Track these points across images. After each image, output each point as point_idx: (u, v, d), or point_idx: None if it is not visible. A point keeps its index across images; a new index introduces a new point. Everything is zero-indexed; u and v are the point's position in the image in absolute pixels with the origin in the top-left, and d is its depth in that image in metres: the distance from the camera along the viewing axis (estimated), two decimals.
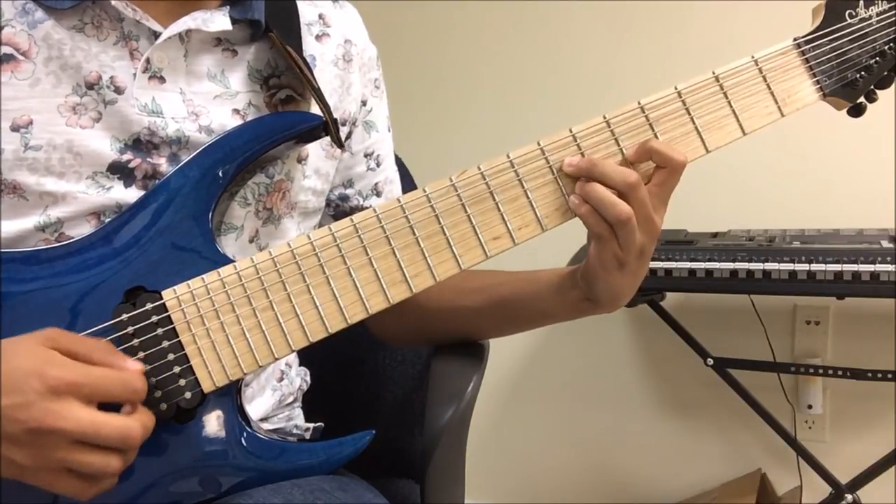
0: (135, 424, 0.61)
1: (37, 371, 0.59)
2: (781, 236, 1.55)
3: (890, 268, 1.32)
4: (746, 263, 1.40)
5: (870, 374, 1.50)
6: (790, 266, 1.37)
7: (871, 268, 1.32)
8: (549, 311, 0.85)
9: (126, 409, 0.63)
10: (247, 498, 0.69)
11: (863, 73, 0.77)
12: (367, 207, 0.89)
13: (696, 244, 1.52)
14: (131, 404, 0.63)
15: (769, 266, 1.38)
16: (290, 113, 0.79)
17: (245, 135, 0.74)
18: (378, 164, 0.92)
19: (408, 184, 1.08)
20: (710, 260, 1.43)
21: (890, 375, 1.49)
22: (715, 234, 1.65)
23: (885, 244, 1.39)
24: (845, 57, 0.76)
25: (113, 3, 0.71)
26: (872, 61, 0.77)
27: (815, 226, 1.67)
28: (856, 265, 1.33)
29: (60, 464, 0.59)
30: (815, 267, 1.36)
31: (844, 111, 0.79)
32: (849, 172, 1.68)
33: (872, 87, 0.78)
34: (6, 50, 0.69)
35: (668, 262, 1.45)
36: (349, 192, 0.91)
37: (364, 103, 0.89)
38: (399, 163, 1.09)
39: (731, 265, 1.41)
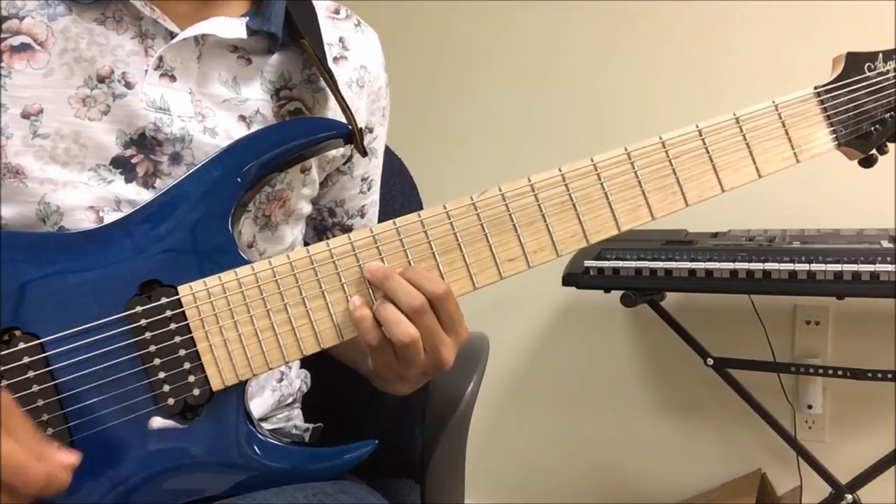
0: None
1: None
2: (781, 236, 1.55)
3: (890, 268, 1.32)
4: (746, 263, 1.40)
5: (870, 374, 1.50)
6: (790, 266, 1.37)
7: (871, 268, 1.32)
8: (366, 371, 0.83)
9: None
10: (249, 499, 0.69)
11: (877, 126, 0.78)
12: (349, 225, 0.92)
13: (696, 244, 1.52)
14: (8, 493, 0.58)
15: (769, 266, 1.38)
16: (318, 119, 0.80)
17: (271, 137, 0.74)
18: (369, 188, 0.94)
19: (407, 183, 1.08)
20: (710, 260, 1.42)
21: (890, 375, 1.49)
22: (715, 234, 1.65)
23: (885, 244, 1.39)
24: (861, 109, 0.78)
25: (132, 1, 0.72)
26: (887, 115, 0.78)
27: (815, 226, 1.67)
28: (856, 265, 1.33)
29: None
30: (815, 267, 1.36)
31: (856, 161, 0.81)
32: (849, 172, 1.67)
33: (884, 140, 0.79)
34: (24, 39, 0.71)
35: (668, 262, 1.45)
36: (338, 209, 0.92)
37: (370, 130, 0.90)
38: (398, 162, 1.09)
39: (731, 265, 1.41)
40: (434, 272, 0.72)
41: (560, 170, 0.74)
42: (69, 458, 0.60)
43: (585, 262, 1.50)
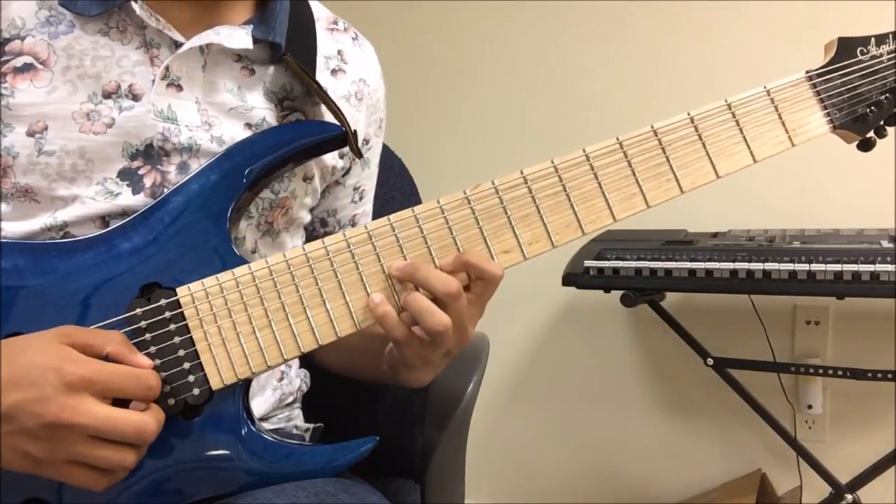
0: (149, 419, 0.63)
1: (54, 367, 0.60)
2: (781, 236, 1.55)
3: (890, 268, 1.32)
4: (746, 263, 1.40)
5: (870, 374, 1.50)
6: (790, 266, 1.37)
7: (871, 268, 1.32)
8: (379, 373, 0.82)
9: (139, 406, 0.64)
10: (251, 499, 0.69)
11: (873, 108, 0.78)
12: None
13: (696, 244, 1.52)
14: (145, 401, 0.64)
15: (769, 266, 1.38)
16: (312, 122, 0.81)
17: (266, 141, 0.75)
18: (361, 198, 0.94)
19: (407, 183, 1.08)
20: (710, 260, 1.43)
21: (890, 375, 1.49)
22: (715, 234, 1.65)
23: (885, 244, 1.40)
24: (856, 92, 0.78)
25: (138, 12, 0.73)
26: (882, 97, 0.78)
27: (815, 226, 1.67)
28: (856, 265, 1.33)
29: (76, 457, 0.61)
30: (815, 267, 1.36)
31: (854, 144, 0.80)
32: (849, 172, 1.68)
33: (882, 122, 0.79)
34: (27, 60, 0.71)
35: (668, 262, 1.45)
36: (330, 219, 0.92)
37: (367, 142, 0.90)
38: (398, 162, 1.09)
39: (731, 265, 1.41)
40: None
41: (552, 161, 0.74)
42: (146, 359, 0.66)
43: (585, 262, 1.50)
